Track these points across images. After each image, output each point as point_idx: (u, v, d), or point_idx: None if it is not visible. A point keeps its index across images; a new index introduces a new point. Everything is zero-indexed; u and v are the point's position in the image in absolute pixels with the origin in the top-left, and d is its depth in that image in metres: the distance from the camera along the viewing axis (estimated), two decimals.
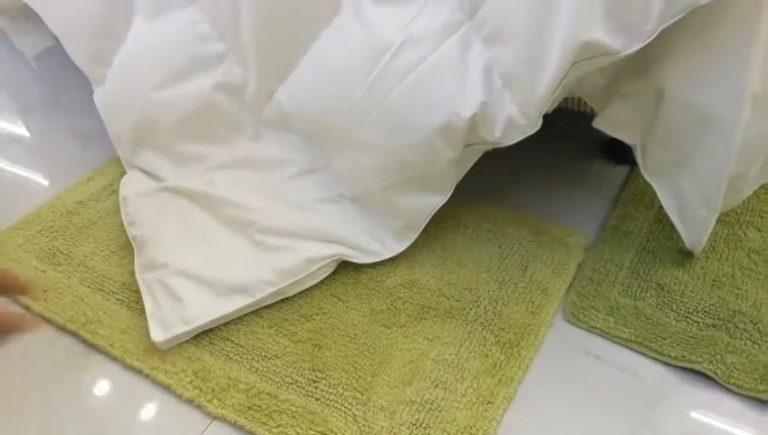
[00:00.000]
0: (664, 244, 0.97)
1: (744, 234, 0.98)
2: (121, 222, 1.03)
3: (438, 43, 0.83)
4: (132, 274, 0.95)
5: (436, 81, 0.83)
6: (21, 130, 1.34)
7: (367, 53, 0.86)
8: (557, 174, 1.12)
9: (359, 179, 0.94)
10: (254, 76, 0.99)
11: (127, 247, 1.00)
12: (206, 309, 0.86)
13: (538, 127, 0.83)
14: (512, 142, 0.85)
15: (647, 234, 0.99)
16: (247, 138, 1.04)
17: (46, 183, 1.20)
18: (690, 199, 0.88)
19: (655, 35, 0.74)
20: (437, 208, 0.94)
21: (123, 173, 1.13)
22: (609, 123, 0.92)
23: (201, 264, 0.90)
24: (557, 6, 0.74)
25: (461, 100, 0.82)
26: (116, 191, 1.10)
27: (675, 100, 0.83)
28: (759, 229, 0.99)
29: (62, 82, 1.41)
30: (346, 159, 0.94)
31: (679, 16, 0.72)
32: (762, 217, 1.01)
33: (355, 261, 0.93)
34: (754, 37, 0.75)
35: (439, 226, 0.99)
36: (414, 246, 0.96)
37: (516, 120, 0.82)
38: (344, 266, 0.94)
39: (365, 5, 0.85)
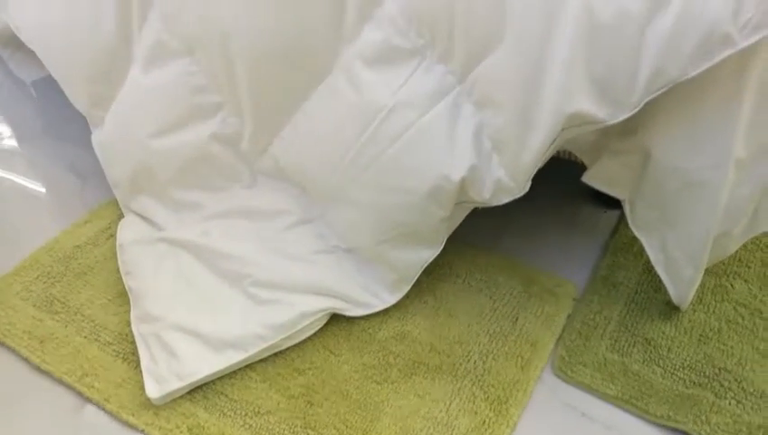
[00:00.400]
0: (652, 295, 0.98)
1: (731, 285, 1.00)
2: (118, 268, 1.05)
3: (429, 107, 0.84)
4: (128, 323, 0.96)
5: (426, 144, 0.84)
6: (19, 165, 1.35)
7: (358, 116, 0.87)
8: (548, 218, 1.14)
9: (352, 234, 0.96)
10: (249, 128, 1.01)
11: (123, 295, 1.01)
12: (201, 364, 0.88)
13: (526, 189, 0.85)
14: (501, 203, 0.86)
15: (636, 284, 1.00)
16: (243, 185, 1.06)
17: (45, 223, 1.21)
18: (676, 257, 0.89)
19: (640, 106, 0.75)
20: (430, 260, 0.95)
21: (121, 216, 1.15)
22: (599, 179, 0.94)
23: (196, 318, 0.92)
24: (545, 78, 0.75)
25: (451, 163, 0.84)
26: (113, 235, 1.11)
27: (661, 163, 0.84)
28: (745, 280, 1.00)
29: (63, 112, 1.42)
30: (339, 213, 0.96)
31: (664, 89, 0.74)
32: (749, 267, 1.02)
33: (348, 314, 0.94)
34: (737, 106, 0.76)
35: (432, 275, 1.01)
36: (406, 296, 0.98)
37: (505, 182, 0.84)
38: (337, 316, 0.96)
39: (357, 67, 0.87)
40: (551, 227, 1.12)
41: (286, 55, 0.92)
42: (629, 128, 0.86)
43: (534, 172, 0.84)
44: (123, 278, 1.02)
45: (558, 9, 0.73)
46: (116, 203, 1.16)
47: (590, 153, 0.94)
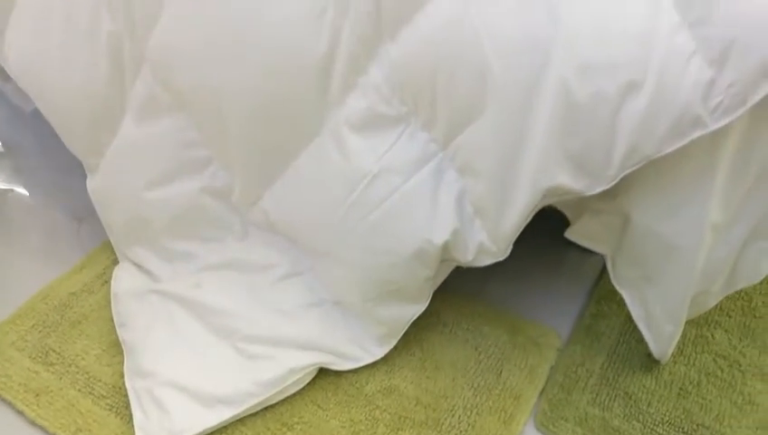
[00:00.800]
0: (634, 346, 1.01)
1: (712, 335, 1.02)
2: (112, 317, 1.07)
3: (413, 173, 0.86)
4: (122, 375, 0.99)
5: (410, 209, 0.86)
6: (15, 202, 1.37)
7: (345, 179, 0.89)
8: (533, 263, 1.15)
9: (339, 290, 0.98)
10: (239, 182, 1.03)
11: (117, 345, 1.03)
12: (192, 421, 0.90)
13: (508, 253, 0.87)
14: (484, 264, 0.89)
15: (618, 335, 1.02)
16: (234, 237, 1.08)
17: (41, 265, 1.23)
18: (656, 314, 0.92)
19: (617, 180, 0.77)
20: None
21: (115, 260, 1.17)
22: (581, 235, 0.96)
23: (188, 373, 0.94)
24: (523, 152, 0.78)
25: (434, 227, 0.86)
26: (108, 281, 1.13)
27: (639, 226, 0.86)
28: (726, 330, 1.02)
29: (62, 147, 1.43)
30: (327, 269, 0.98)
31: (640, 165, 0.76)
32: (729, 316, 1.05)
33: (336, 368, 0.97)
34: (712, 176, 0.79)
35: (419, 324, 1.03)
36: (394, 347, 1.00)
37: (487, 246, 0.86)
38: (325, 369, 0.98)
39: (343, 132, 0.89)
40: (536, 272, 1.14)
41: (275, 115, 0.94)
42: (609, 192, 0.87)
43: (515, 237, 0.86)
44: (117, 329, 1.04)
45: (537, 85, 0.75)
46: (110, 246, 1.18)
47: (572, 210, 0.96)
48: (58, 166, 1.41)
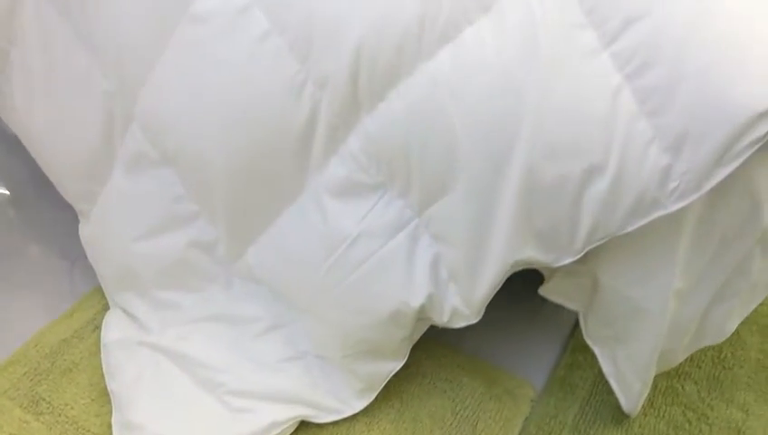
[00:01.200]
0: (606, 398, 1.04)
1: (682, 387, 1.05)
2: (101, 365, 1.10)
3: (390, 238, 0.90)
4: (110, 425, 1.02)
5: (386, 273, 0.90)
6: (7, 245, 1.39)
7: (325, 241, 0.93)
8: (511, 313, 1.19)
9: (320, 344, 1.01)
10: (224, 237, 1.06)
11: (106, 394, 1.06)
12: None
13: (481, 316, 0.91)
14: (458, 326, 0.92)
15: (591, 386, 1.06)
16: (220, 287, 1.11)
17: (33, 308, 1.25)
18: (625, 371, 0.95)
19: (584, 253, 0.81)
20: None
21: (106, 305, 1.20)
22: (553, 293, 1.00)
23: (175, 426, 0.97)
24: (493, 227, 0.81)
25: (410, 291, 0.89)
26: (99, 327, 1.16)
27: (608, 290, 0.90)
28: (695, 382, 1.06)
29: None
30: (308, 324, 1.01)
31: (605, 240, 0.79)
32: (699, 367, 1.08)
33: (317, 421, 1.00)
34: (675, 246, 0.82)
35: (400, 375, 1.05)
36: (374, 398, 1.03)
37: (461, 310, 0.90)
38: (306, 421, 1.01)
39: (324, 197, 0.92)
40: (513, 322, 1.17)
41: (258, 177, 0.97)
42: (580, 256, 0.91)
43: (488, 301, 0.89)
44: (106, 379, 1.07)
45: (505, 165, 0.78)
46: (101, 291, 1.21)
47: (545, 269, 0.99)
48: (51, 206, 1.43)
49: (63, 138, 1.16)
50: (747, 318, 0.92)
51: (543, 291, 1.00)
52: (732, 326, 0.92)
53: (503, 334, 1.15)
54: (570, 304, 0.99)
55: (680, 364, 1.08)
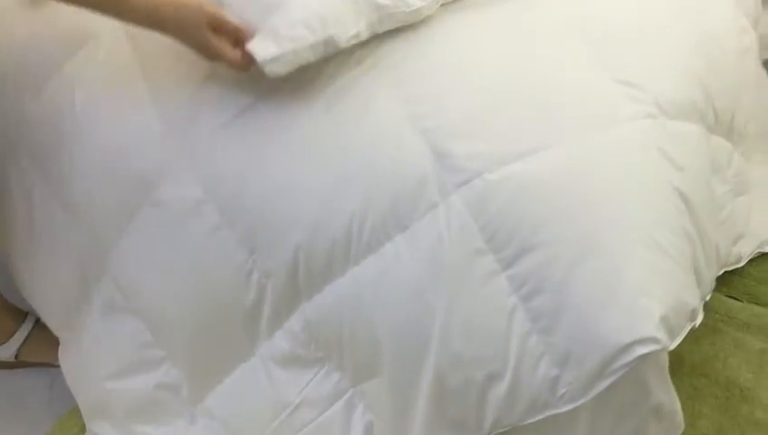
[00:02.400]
0: None
1: None
2: None
3: (328, 406, 1.01)
4: None
5: None
6: None
7: (271, 404, 1.04)
8: None
9: None
10: (186, 381, 1.17)
11: None
12: None
13: None
14: None
15: None
16: (186, 423, 1.22)
17: (13, 427, 1.35)
18: None
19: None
20: None
21: (83, 428, 1.31)
22: None
23: None
24: (413, 413, 0.92)
25: None
26: None
27: None
28: None
29: None
30: None
31: (508, 428, 0.90)
32: None
33: None
34: (576, 423, 0.92)
35: None
36: None
37: None
38: None
39: (270, 363, 1.03)
40: None
41: (213, 338, 1.08)
42: None
43: None
44: None
45: (420, 366, 0.89)
46: (79, 413, 1.32)
47: None
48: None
49: (42, 278, 1.27)
50: None
51: None
52: None
53: None
54: None
55: None
